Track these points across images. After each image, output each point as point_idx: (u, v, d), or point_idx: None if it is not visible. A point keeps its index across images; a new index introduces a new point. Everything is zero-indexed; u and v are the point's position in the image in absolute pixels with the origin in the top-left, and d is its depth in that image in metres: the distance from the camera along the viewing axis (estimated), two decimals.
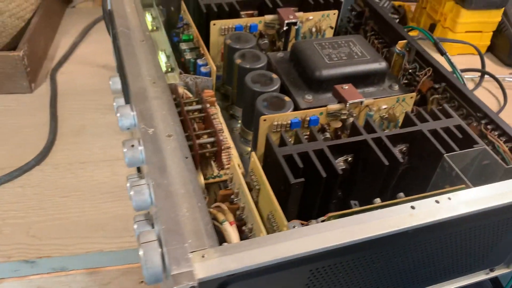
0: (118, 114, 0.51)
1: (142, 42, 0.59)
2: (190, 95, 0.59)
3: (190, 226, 0.37)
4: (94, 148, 0.72)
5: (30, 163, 0.67)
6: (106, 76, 0.65)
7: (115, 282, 0.56)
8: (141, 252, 0.37)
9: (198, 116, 0.55)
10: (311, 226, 0.38)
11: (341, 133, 0.57)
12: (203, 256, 0.35)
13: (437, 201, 0.41)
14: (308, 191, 0.47)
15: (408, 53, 0.66)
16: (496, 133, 0.52)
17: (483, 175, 0.50)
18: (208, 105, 0.56)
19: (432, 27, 1.09)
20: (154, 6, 0.70)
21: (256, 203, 0.48)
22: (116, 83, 0.64)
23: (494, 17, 1.01)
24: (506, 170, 0.47)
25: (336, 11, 0.74)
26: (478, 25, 1.02)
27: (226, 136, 0.54)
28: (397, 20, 1.14)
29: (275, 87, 0.59)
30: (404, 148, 0.52)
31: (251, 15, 0.74)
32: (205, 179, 0.49)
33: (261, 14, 0.73)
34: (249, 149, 0.63)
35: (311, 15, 0.73)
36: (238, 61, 0.62)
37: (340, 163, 0.50)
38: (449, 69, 0.65)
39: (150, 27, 0.65)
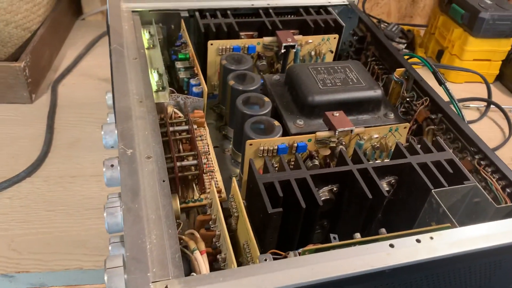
0: (102, 132, 0.51)
1: (135, 60, 0.59)
2: (180, 114, 0.58)
3: (156, 254, 0.36)
4: (85, 162, 0.71)
5: (21, 175, 0.67)
6: (106, 90, 0.65)
7: None
8: (105, 277, 0.36)
9: (185, 137, 0.54)
10: (281, 261, 0.37)
11: (331, 161, 0.56)
12: (166, 287, 0.34)
13: (418, 240, 0.39)
14: (288, 220, 0.46)
15: (406, 81, 0.65)
16: (490, 169, 0.50)
17: (473, 213, 0.48)
18: (195, 126, 0.56)
19: (440, 54, 1.08)
20: (153, 24, 0.70)
21: (235, 231, 0.47)
22: (110, 99, 0.63)
23: (504, 46, 0.99)
24: (496, 210, 0.46)
25: (336, 35, 0.73)
26: (487, 53, 1.00)
27: (211, 159, 0.53)
28: (405, 45, 1.13)
29: (265, 111, 0.58)
30: (393, 181, 0.50)
31: (251, 36, 0.74)
32: (185, 202, 0.48)
33: (261, 35, 0.73)
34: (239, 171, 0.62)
35: (310, 39, 0.72)
36: (231, 82, 0.62)
37: (324, 193, 0.48)
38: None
39: (146, 45, 0.64)
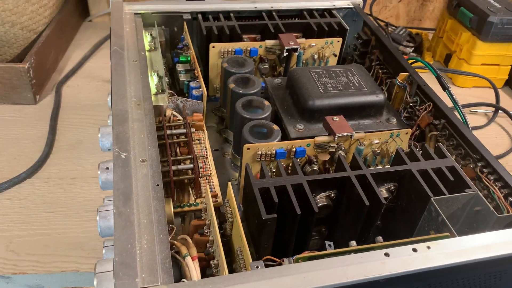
0: (99, 134, 0.50)
1: (135, 62, 0.58)
2: (179, 117, 0.58)
3: (146, 259, 0.36)
4: (86, 164, 0.71)
5: (21, 176, 0.68)
6: (109, 92, 0.65)
7: None
8: (95, 282, 0.36)
9: (183, 140, 0.53)
10: (273, 268, 0.36)
11: (330, 167, 0.55)
12: None
13: (414, 249, 0.38)
14: (284, 227, 0.45)
15: (409, 86, 0.64)
16: (492, 177, 0.49)
17: (474, 222, 0.47)
18: (193, 129, 0.55)
19: (448, 58, 1.06)
20: (155, 26, 0.70)
21: (230, 236, 0.46)
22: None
23: None
24: (498, 219, 0.44)
25: (340, 39, 0.73)
26: (495, 58, 0.98)
27: (209, 163, 0.53)
28: (413, 48, 1.12)
29: (265, 115, 0.57)
30: (392, 187, 0.49)
31: (254, 39, 0.73)
32: (180, 206, 0.48)
33: (263, 38, 0.73)
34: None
35: (313, 42, 0.72)
36: (231, 85, 0.61)
37: (322, 199, 0.47)
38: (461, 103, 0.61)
39: (147, 47, 0.64)
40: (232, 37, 0.71)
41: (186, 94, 0.64)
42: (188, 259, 0.38)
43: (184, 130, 0.54)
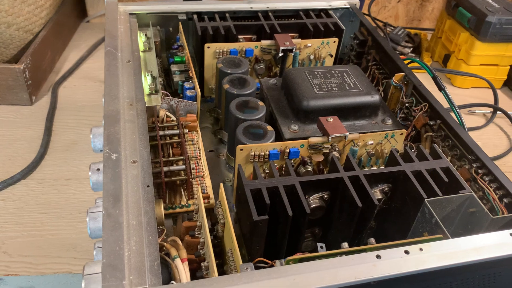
0: (91, 135, 0.50)
1: (129, 63, 0.58)
2: (173, 118, 0.57)
3: (134, 261, 0.35)
4: (81, 165, 0.71)
5: (15, 177, 0.67)
6: None
7: None
8: (83, 284, 0.36)
9: (176, 141, 0.53)
10: (262, 270, 0.36)
11: (324, 168, 0.55)
12: None
13: (406, 252, 0.38)
14: (276, 228, 0.45)
15: (405, 87, 0.63)
16: (487, 179, 0.49)
17: (469, 224, 0.47)
18: (187, 130, 0.55)
19: (447, 58, 1.06)
20: (150, 26, 0.69)
21: (222, 237, 0.46)
22: None
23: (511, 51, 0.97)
24: (492, 220, 0.44)
25: (336, 39, 0.72)
26: (494, 58, 0.98)
27: (202, 164, 0.53)
28: (411, 49, 1.11)
29: (259, 115, 0.57)
30: (386, 188, 0.49)
31: (250, 40, 0.73)
32: (172, 208, 0.48)
33: (259, 39, 0.72)
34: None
35: (309, 42, 0.71)
36: (226, 86, 0.61)
37: (315, 200, 0.47)
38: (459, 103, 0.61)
39: (142, 48, 0.64)
40: (227, 38, 0.70)
41: (181, 95, 0.64)
42: (178, 261, 0.38)
43: (177, 131, 0.53)
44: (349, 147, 0.54)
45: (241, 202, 0.46)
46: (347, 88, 0.59)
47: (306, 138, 0.53)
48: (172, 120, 0.56)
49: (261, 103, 0.59)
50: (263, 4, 0.76)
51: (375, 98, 0.59)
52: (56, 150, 0.74)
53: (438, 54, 1.10)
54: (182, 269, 0.38)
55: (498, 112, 0.92)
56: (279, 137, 0.56)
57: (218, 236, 0.46)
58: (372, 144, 0.55)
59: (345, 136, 0.53)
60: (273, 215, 0.44)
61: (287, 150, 0.52)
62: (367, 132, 0.55)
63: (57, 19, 0.98)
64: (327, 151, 0.53)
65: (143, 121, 0.49)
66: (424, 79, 0.63)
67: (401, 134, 0.56)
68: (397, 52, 1.09)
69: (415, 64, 0.68)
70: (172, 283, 0.36)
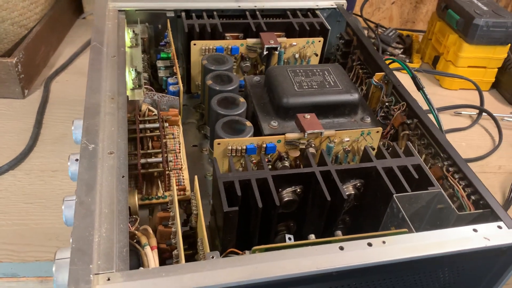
0: (73, 127, 0.52)
1: (113, 57, 0.59)
2: (155, 112, 0.59)
3: (104, 247, 0.37)
4: None
5: (3, 167, 0.69)
6: None
7: None
8: (53, 268, 0.37)
9: (156, 134, 0.54)
10: (227, 258, 0.37)
11: (301, 163, 0.56)
12: (108, 279, 0.34)
13: (369, 244, 0.39)
14: (248, 220, 0.46)
15: (386, 86, 0.64)
16: (457, 176, 0.50)
17: (438, 220, 0.48)
18: (167, 124, 0.56)
19: (436, 60, 1.07)
20: (138, 23, 0.71)
21: (196, 228, 0.47)
22: None
23: (499, 53, 0.98)
24: (458, 216, 0.45)
25: (321, 39, 0.73)
26: (482, 60, 0.99)
27: (181, 157, 0.54)
28: (401, 50, 1.12)
29: (239, 111, 0.58)
30: (359, 184, 0.50)
31: (236, 38, 0.74)
32: (149, 199, 0.49)
33: (246, 37, 0.73)
34: None
35: (295, 41, 0.72)
36: (209, 82, 0.62)
37: (288, 194, 0.48)
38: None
39: (129, 43, 0.65)
40: (214, 35, 0.72)
41: (166, 90, 0.65)
42: (147, 249, 0.39)
43: (157, 125, 0.55)
44: (325, 144, 0.55)
45: (216, 194, 0.47)
46: (327, 86, 0.61)
47: (285, 134, 0.55)
48: (154, 114, 0.58)
49: (242, 100, 0.60)
50: (251, 3, 0.77)
51: (354, 96, 0.60)
52: (45, 143, 0.76)
53: (428, 55, 1.11)
54: (151, 256, 0.39)
55: (484, 113, 0.93)
56: (259, 133, 0.57)
57: (193, 226, 0.47)
58: (348, 141, 0.56)
59: (321, 133, 0.54)
60: (246, 208, 0.45)
61: (264, 145, 0.53)
62: (343, 129, 0.56)
63: (52, 14, 1.00)
64: (303, 147, 0.54)
65: (123, 114, 0.50)
66: (407, 79, 0.64)
67: (377, 132, 0.57)
68: (388, 53, 1.10)
69: (397, 65, 0.69)
70: (140, 269, 0.37)
